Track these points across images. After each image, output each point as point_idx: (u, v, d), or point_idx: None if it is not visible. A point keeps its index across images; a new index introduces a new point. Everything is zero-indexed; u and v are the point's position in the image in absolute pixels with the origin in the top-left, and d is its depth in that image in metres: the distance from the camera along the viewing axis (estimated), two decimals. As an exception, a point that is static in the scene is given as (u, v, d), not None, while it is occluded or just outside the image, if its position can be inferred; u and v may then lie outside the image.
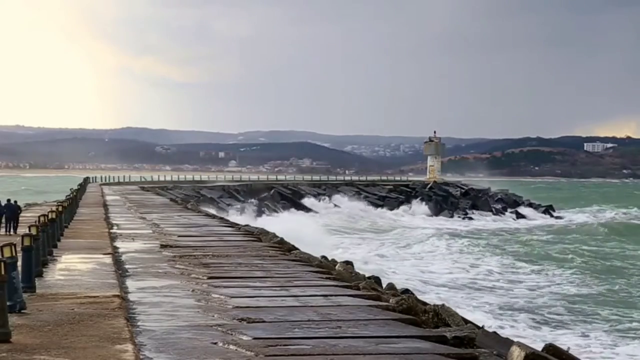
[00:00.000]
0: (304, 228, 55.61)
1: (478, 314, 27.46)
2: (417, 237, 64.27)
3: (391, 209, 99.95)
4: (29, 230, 15.53)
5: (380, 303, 13.84)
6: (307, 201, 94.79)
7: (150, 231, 28.71)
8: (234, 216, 61.79)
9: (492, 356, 10.48)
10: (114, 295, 13.33)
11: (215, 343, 10.21)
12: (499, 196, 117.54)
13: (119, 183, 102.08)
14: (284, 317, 12.09)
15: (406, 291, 21.02)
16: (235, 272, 17.39)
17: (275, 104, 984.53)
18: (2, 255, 10.74)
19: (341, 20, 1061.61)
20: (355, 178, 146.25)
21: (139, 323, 11.51)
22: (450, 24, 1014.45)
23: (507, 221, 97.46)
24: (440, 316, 12.72)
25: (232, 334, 10.75)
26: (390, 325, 11.73)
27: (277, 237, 27.22)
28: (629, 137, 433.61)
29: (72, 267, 17.27)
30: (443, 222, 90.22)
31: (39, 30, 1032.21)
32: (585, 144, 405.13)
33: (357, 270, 23.52)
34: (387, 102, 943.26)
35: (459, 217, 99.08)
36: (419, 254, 52.55)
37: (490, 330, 16.49)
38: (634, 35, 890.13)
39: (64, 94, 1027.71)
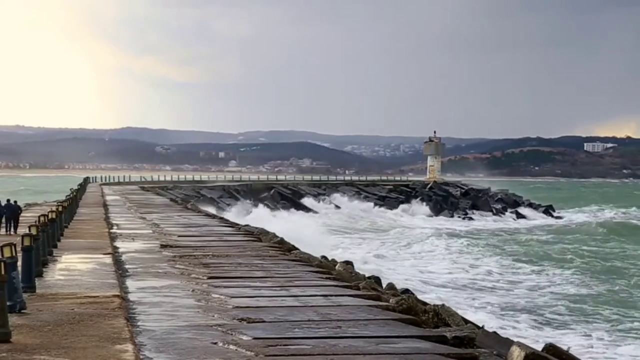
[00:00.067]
0: (304, 228, 55.62)
1: (480, 314, 27.45)
2: (417, 237, 64.25)
3: (391, 209, 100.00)
4: (29, 230, 15.51)
5: (380, 303, 13.83)
6: (307, 201, 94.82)
7: (150, 231, 28.70)
8: (228, 214, 61.71)
9: (492, 356, 10.46)
10: (114, 295, 13.32)
11: (215, 343, 10.20)
12: (499, 196, 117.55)
13: (119, 183, 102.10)
14: (284, 317, 12.08)
15: (406, 291, 21.01)
16: (235, 272, 17.38)
17: (275, 104, 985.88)
18: (2, 255, 10.73)
19: (341, 20, 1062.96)
20: (355, 178, 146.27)
21: (139, 323, 11.50)
22: (450, 24, 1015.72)
23: (507, 221, 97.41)
24: (440, 316, 12.71)
25: (232, 334, 10.74)
26: (390, 325, 11.72)
27: (277, 237, 27.23)
28: (629, 137, 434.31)
29: (72, 267, 17.27)
30: (443, 222, 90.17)
31: (39, 30, 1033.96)
32: (585, 144, 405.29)
33: (357, 270, 23.53)
34: (387, 102, 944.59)
35: (459, 217, 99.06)
36: (419, 253, 52.57)
37: (492, 330, 16.48)
38: (634, 35, 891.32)
39: (64, 94, 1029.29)
